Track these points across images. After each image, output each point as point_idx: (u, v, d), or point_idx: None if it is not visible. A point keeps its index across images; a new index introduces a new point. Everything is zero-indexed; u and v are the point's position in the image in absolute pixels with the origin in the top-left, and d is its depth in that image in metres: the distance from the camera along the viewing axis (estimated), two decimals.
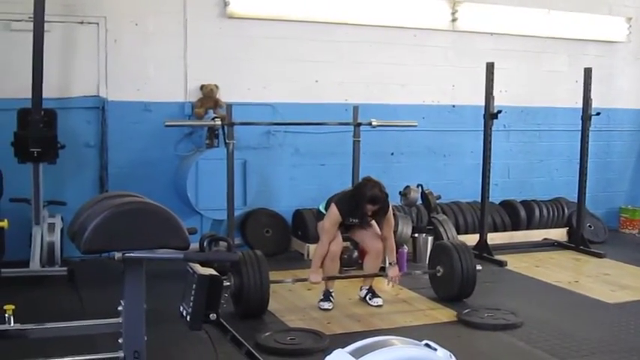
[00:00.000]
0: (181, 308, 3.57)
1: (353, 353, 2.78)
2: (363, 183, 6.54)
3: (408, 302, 6.84)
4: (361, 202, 6.38)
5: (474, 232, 9.02)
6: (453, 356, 2.88)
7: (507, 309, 6.35)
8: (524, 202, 9.95)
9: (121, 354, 3.65)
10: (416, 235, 8.53)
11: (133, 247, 3.46)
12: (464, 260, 6.67)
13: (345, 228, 6.74)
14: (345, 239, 6.90)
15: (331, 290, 6.63)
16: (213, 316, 3.46)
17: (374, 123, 8.29)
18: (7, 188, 7.31)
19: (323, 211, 6.63)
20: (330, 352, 2.88)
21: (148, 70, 8.30)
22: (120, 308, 3.67)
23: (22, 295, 6.23)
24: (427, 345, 2.90)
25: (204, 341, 3.75)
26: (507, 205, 9.88)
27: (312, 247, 8.11)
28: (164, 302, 4.24)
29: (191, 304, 3.43)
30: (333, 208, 6.44)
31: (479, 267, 6.78)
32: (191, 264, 3.58)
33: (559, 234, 9.82)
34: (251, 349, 3.74)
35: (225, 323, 3.58)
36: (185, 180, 7.93)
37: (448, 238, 8.22)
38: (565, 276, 7.94)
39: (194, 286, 3.45)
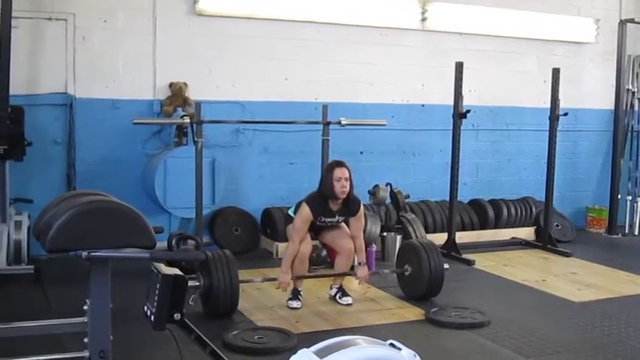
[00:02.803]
0: (145, 308, 3.56)
1: (318, 353, 2.78)
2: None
3: (376, 301, 6.85)
4: (329, 175, 6.38)
5: (442, 231, 9.06)
6: (417, 356, 2.89)
7: (474, 308, 6.38)
8: (492, 202, 10.02)
9: (86, 353, 3.63)
10: (384, 234, 8.55)
11: (98, 246, 3.45)
12: (432, 259, 6.70)
13: (314, 231, 6.72)
14: (314, 240, 6.89)
15: (300, 289, 6.62)
16: (177, 316, 3.45)
17: (343, 122, 8.31)
18: None
19: (292, 215, 6.62)
20: (297, 351, 2.88)
21: (117, 68, 8.24)
22: (85, 307, 3.65)
23: None
24: (392, 344, 2.91)
25: (170, 341, 3.73)
26: (476, 205, 9.93)
27: (281, 245, 8.12)
28: (130, 301, 4.22)
29: (155, 304, 3.42)
30: (304, 206, 6.43)
31: (446, 266, 6.81)
32: (155, 263, 3.56)
33: (527, 233, 9.88)
34: (215, 348, 3.72)
35: (189, 323, 3.56)
36: (153, 178, 7.89)
37: (416, 237, 8.24)
38: (532, 275, 7.99)
39: (158, 286, 3.43)
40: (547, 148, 9.30)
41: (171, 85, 8.33)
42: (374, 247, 8.01)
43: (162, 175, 7.88)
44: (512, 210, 9.96)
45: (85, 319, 3.66)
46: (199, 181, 7.60)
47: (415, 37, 9.64)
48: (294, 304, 6.51)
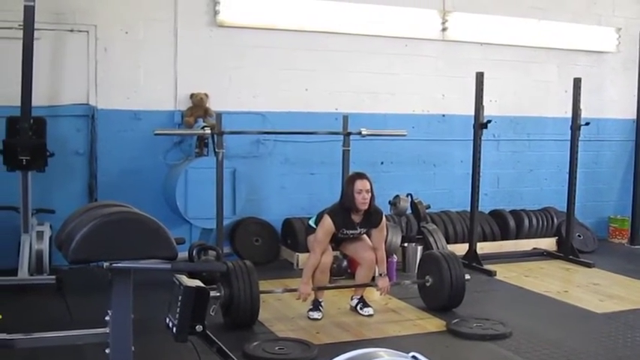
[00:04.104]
0: (167, 320, 3.56)
1: None
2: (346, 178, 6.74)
3: (397, 312, 6.83)
4: (350, 187, 6.37)
5: (463, 242, 9.03)
6: None
7: (496, 319, 6.35)
8: (513, 212, 9.96)
9: None
10: (405, 244, 8.52)
11: (120, 257, 3.45)
12: (453, 270, 6.67)
13: (335, 242, 6.72)
14: (334, 250, 6.88)
15: (320, 300, 6.61)
16: (199, 328, 3.45)
17: (364, 132, 8.30)
18: None
19: (313, 225, 6.61)
20: None
21: (138, 79, 8.28)
22: (107, 318, 3.66)
23: (10, 303, 6.23)
24: (414, 357, 2.88)
25: (191, 352, 3.74)
26: (497, 215, 9.88)
27: (301, 255, 8.12)
28: (152, 312, 4.23)
29: (177, 315, 3.43)
30: (327, 218, 6.42)
31: (468, 276, 6.79)
32: (177, 275, 3.57)
33: (548, 243, 9.83)
34: (236, 359, 3.72)
35: (210, 334, 3.56)
36: (174, 189, 7.91)
37: (437, 248, 8.22)
38: (554, 286, 7.94)
39: (180, 297, 3.44)
40: (569, 158, 9.25)
41: (192, 95, 8.36)
42: (395, 258, 7.99)
43: (183, 186, 7.90)
44: (534, 220, 9.90)
45: (106, 329, 3.66)
46: (220, 192, 7.60)
47: (435, 47, 9.62)
48: (315, 314, 6.50)
